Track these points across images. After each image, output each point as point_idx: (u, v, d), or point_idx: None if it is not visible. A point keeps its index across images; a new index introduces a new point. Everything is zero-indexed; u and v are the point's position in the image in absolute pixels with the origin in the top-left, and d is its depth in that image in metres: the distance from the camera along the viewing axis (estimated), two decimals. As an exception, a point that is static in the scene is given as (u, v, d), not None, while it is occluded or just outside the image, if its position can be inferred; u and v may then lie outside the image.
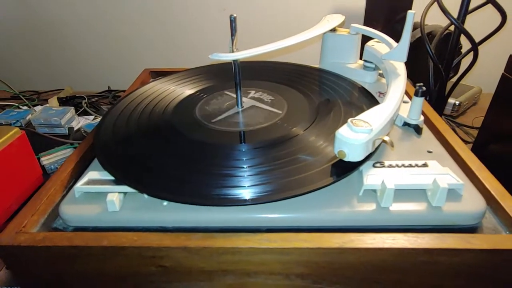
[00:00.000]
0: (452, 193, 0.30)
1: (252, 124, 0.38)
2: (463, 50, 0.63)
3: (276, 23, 0.92)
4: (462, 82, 0.87)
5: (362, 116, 0.32)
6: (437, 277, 0.28)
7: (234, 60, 0.39)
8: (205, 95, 0.45)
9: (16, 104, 0.75)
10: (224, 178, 0.31)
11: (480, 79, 0.87)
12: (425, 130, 0.40)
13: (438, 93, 0.60)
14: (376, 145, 0.31)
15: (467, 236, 0.27)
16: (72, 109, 0.65)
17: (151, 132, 0.38)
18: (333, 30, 0.49)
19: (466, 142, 0.71)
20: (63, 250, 0.28)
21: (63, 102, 0.80)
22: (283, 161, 0.33)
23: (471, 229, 0.29)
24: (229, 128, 0.38)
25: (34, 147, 0.55)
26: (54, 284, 0.31)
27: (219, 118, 0.40)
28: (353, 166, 0.31)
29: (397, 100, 0.34)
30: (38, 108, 0.74)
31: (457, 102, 0.80)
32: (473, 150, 0.64)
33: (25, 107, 0.75)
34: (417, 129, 0.38)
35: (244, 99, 0.43)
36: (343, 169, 0.31)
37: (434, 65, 0.57)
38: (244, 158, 0.33)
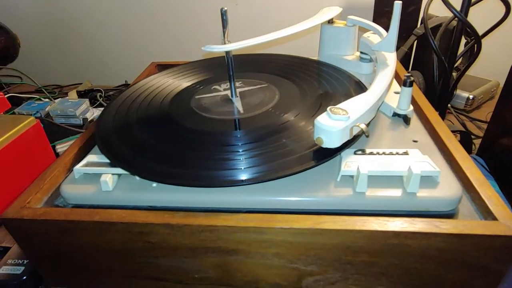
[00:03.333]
0: (429, 180, 0.31)
1: (243, 113, 0.40)
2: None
3: (288, 18, 0.93)
4: (479, 75, 0.86)
5: (342, 104, 0.33)
6: (407, 260, 0.29)
7: (226, 52, 0.40)
8: (201, 87, 0.47)
9: (38, 97, 0.80)
10: (208, 162, 0.33)
11: (500, 73, 0.85)
12: (415, 120, 0.40)
13: (443, 87, 0.59)
14: (355, 132, 0.32)
15: (435, 221, 0.27)
16: (86, 101, 0.70)
17: (147, 120, 0.41)
18: (331, 22, 0.50)
19: (477, 136, 0.69)
20: (60, 224, 0.31)
21: (81, 95, 0.84)
22: (266, 147, 0.34)
23: (447, 216, 0.30)
24: (219, 116, 0.40)
25: (51, 136, 0.59)
26: (53, 256, 0.34)
27: (211, 107, 0.42)
28: (331, 153, 0.32)
29: (379, 90, 0.34)
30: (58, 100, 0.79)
31: (470, 96, 0.78)
32: (483, 144, 0.62)
33: (47, 100, 0.80)
34: (406, 119, 0.39)
35: (238, 89, 0.44)
36: (321, 155, 0.32)
37: (440, 58, 0.57)
38: (230, 144, 0.35)
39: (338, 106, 0.32)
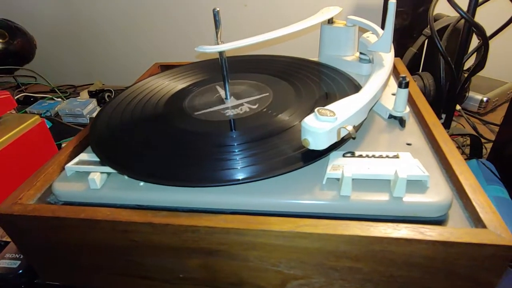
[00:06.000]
0: (418, 185, 0.30)
1: (234, 114, 0.40)
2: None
3: (299, 19, 0.92)
4: (495, 77, 0.82)
5: (330, 105, 0.32)
6: (392, 266, 0.28)
7: (220, 53, 0.40)
8: (197, 88, 0.47)
9: (50, 96, 0.83)
10: (193, 162, 0.33)
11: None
12: (412, 122, 0.39)
13: (450, 90, 0.57)
14: (343, 134, 0.31)
15: (421, 227, 0.26)
16: (94, 101, 0.71)
17: (140, 121, 0.41)
18: (331, 22, 0.49)
19: (489, 140, 0.67)
20: (48, 220, 0.31)
21: (92, 95, 0.86)
22: (254, 149, 0.34)
23: (436, 223, 0.29)
24: (211, 117, 0.40)
25: (58, 134, 0.61)
26: (44, 252, 0.35)
27: (204, 108, 0.42)
28: (318, 155, 0.31)
29: (371, 91, 0.34)
30: (70, 100, 0.81)
31: (484, 99, 0.75)
32: (494, 148, 0.60)
33: (59, 99, 0.83)
34: (401, 121, 0.38)
35: (232, 90, 0.44)
36: (308, 157, 0.32)
37: (446, 60, 0.55)
38: (219, 145, 0.35)
39: (326, 107, 0.32)
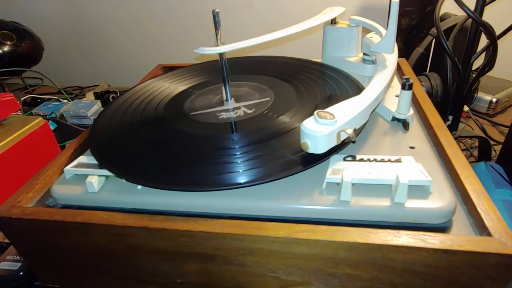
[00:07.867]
0: (421, 190, 0.29)
1: (238, 116, 0.39)
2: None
3: (305, 19, 0.91)
4: (504, 78, 0.80)
5: (330, 108, 0.31)
6: (392, 274, 0.27)
7: (220, 55, 0.40)
8: (197, 90, 0.47)
9: (56, 97, 0.83)
10: (193, 165, 0.33)
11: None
12: (416, 125, 0.38)
13: (457, 90, 0.56)
14: (343, 138, 0.31)
15: (422, 234, 0.25)
16: (98, 102, 0.71)
17: (140, 123, 0.41)
18: (334, 22, 0.48)
19: (498, 142, 0.65)
20: (45, 223, 0.31)
21: (98, 96, 0.87)
22: (253, 152, 0.33)
23: (439, 229, 0.28)
24: (210, 120, 0.39)
25: (63, 136, 0.61)
26: (43, 254, 0.35)
27: (203, 111, 0.42)
28: (317, 159, 0.31)
29: (372, 93, 0.33)
30: (75, 101, 0.81)
31: (494, 99, 0.73)
32: (504, 150, 0.58)
33: (65, 101, 0.83)
34: (405, 124, 0.37)
35: (233, 92, 0.44)
36: (307, 161, 0.31)
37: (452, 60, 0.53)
38: (217, 148, 0.35)
39: (326, 110, 0.31)
